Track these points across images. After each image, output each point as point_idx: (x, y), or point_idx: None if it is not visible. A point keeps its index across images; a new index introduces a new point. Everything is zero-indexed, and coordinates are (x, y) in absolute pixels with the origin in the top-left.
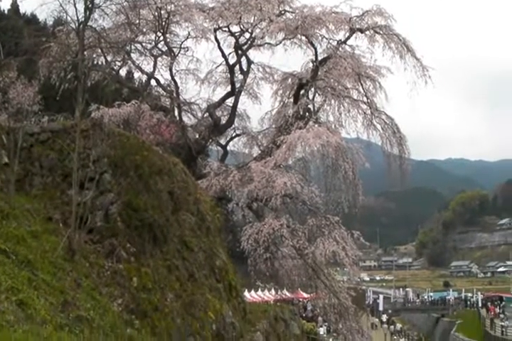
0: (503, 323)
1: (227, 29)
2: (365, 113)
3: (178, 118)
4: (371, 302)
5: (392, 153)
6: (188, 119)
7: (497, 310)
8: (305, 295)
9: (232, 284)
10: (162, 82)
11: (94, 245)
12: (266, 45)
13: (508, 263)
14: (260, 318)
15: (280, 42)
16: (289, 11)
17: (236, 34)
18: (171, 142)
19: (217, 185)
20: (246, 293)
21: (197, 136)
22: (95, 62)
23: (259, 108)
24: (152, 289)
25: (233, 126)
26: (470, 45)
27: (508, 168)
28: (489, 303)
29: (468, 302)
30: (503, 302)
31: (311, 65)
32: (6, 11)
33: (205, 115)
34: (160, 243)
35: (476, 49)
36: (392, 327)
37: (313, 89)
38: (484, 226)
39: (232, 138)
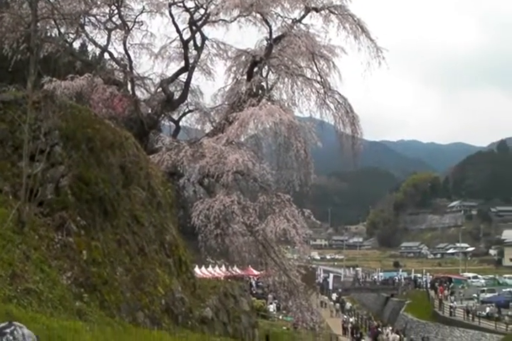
0: (451, 304)
1: (181, 4)
2: (318, 92)
3: (131, 92)
4: (321, 281)
5: (345, 133)
6: (141, 94)
7: (446, 292)
8: (255, 272)
9: (182, 259)
10: (116, 55)
11: (44, 218)
12: (220, 21)
13: (458, 245)
14: (210, 294)
15: (235, 19)
16: None
17: (191, 10)
18: (124, 116)
19: (169, 160)
20: (196, 269)
21: (149, 111)
22: (48, 34)
23: (213, 84)
24: (102, 263)
25: (186, 101)
26: (429, 30)
27: (460, 151)
28: (438, 284)
29: (418, 283)
30: (452, 284)
31: (265, 42)
32: None
33: (158, 90)
34: (110, 217)
35: (434, 34)
36: (337, 304)
37: (266, 66)
38: (435, 208)
39: (184, 114)
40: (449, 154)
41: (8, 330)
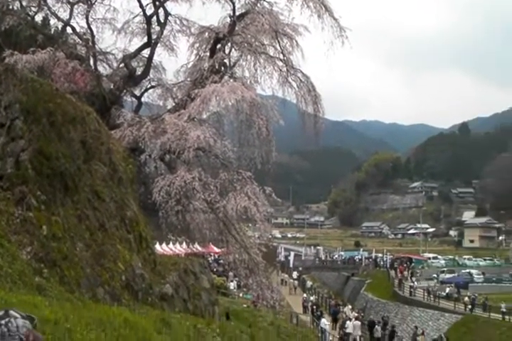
0: (411, 284)
1: None
2: (280, 70)
3: (93, 67)
4: (282, 259)
5: (307, 112)
6: (103, 69)
7: (405, 273)
8: (216, 249)
9: (143, 235)
10: (78, 30)
11: (4, 192)
12: None
13: (419, 225)
14: (170, 270)
15: None
16: None
17: None
18: (86, 91)
19: (131, 135)
20: (157, 246)
21: (112, 86)
22: (10, 7)
23: (175, 60)
24: (62, 238)
25: (148, 77)
26: (394, 11)
27: (421, 132)
28: (398, 264)
29: (379, 263)
30: (412, 264)
31: (228, 19)
32: None
33: (121, 65)
34: (71, 192)
35: (399, 14)
36: (296, 282)
37: (229, 44)
38: (396, 189)
39: (146, 90)
40: (411, 135)
41: (3, 322)
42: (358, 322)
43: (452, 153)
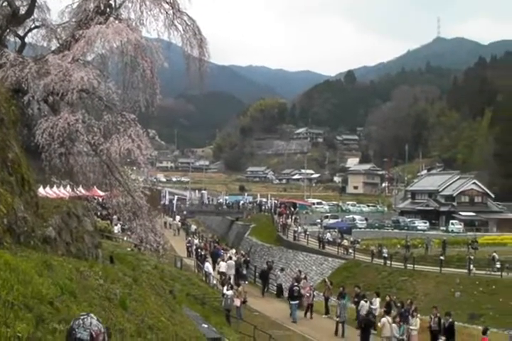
0: (295, 229)
1: None
2: (167, 13)
3: None
4: (167, 203)
5: (192, 55)
6: None
7: (289, 220)
8: (100, 193)
9: (25, 178)
10: None
11: None
12: None
13: (303, 171)
14: (53, 213)
15: None
16: None
17: None
18: None
19: (13, 76)
20: (41, 189)
21: None
22: None
23: (60, 0)
24: None
25: (32, 17)
26: None
27: (307, 79)
28: (282, 209)
29: (263, 207)
30: (297, 209)
31: None
32: None
33: (4, 4)
34: None
35: None
36: (179, 223)
37: None
38: (281, 134)
39: (30, 30)
40: (297, 82)
41: (81, 317)
42: (232, 262)
43: (337, 100)
